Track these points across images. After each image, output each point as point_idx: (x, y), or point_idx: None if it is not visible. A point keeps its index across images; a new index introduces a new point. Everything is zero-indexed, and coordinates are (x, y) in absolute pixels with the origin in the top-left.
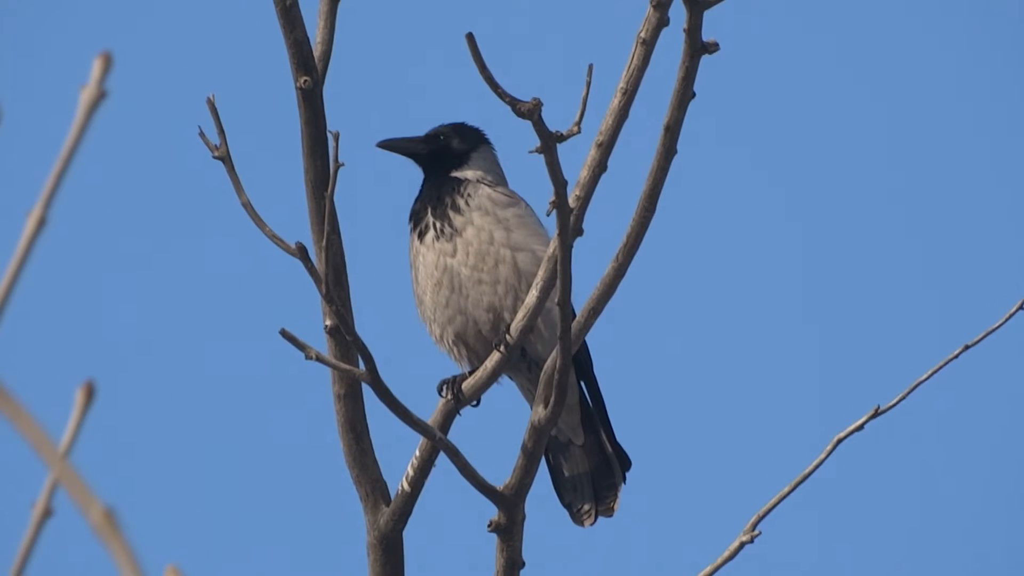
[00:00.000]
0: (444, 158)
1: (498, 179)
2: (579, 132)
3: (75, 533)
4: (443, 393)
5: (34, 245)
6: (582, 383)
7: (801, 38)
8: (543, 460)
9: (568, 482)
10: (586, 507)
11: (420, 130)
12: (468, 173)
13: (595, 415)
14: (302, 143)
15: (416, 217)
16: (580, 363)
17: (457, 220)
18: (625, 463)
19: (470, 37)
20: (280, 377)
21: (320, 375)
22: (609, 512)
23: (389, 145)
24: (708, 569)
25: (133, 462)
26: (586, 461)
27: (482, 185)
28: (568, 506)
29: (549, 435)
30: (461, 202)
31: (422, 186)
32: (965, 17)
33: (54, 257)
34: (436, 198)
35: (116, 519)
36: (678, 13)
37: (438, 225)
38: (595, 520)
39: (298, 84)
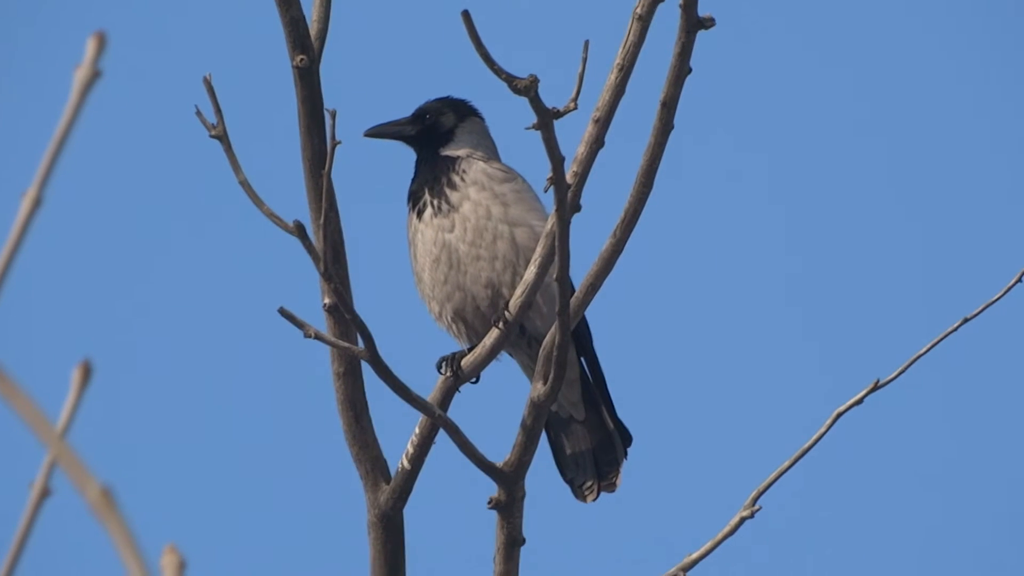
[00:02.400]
0: (432, 137)
1: (489, 152)
2: (576, 108)
3: (73, 512)
4: (442, 370)
5: (30, 225)
6: (582, 359)
7: (798, 14)
8: (544, 436)
9: (570, 458)
10: (588, 483)
11: (412, 109)
12: (459, 150)
13: (595, 391)
14: (299, 122)
15: (414, 198)
16: (580, 339)
17: (453, 196)
18: (626, 438)
19: (466, 14)
20: (279, 355)
21: (319, 353)
22: (611, 488)
23: (376, 132)
24: (709, 544)
25: (131, 441)
26: (587, 437)
27: (475, 160)
28: (570, 482)
29: (549, 411)
30: (456, 178)
31: (416, 167)
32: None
33: (50, 237)
34: (431, 178)
35: (113, 498)
36: None
37: (435, 202)
38: (597, 496)
39: (294, 63)
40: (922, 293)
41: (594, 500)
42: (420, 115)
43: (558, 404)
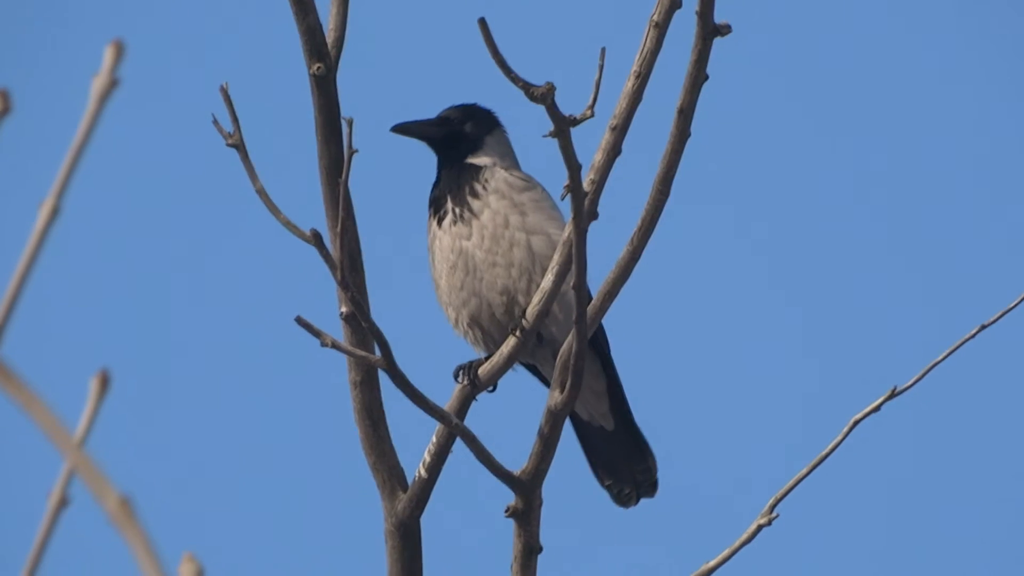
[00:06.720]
0: (459, 143)
1: (513, 163)
2: (593, 116)
3: (91, 522)
4: (459, 379)
5: (47, 234)
6: (608, 370)
7: (815, 21)
8: (575, 445)
9: (606, 466)
10: (627, 490)
11: (434, 114)
12: (485, 159)
13: (624, 401)
14: (316, 130)
15: (436, 204)
16: (597, 346)
17: (475, 204)
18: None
19: (482, 22)
20: (296, 365)
21: (336, 362)
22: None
23: (403, 129)
24: (726, 552)
25: (149, 451)
26: (619, 446)
27: (499, 169)
28: (608, 488)
29: (565, 419)
30: (479, 187)
31: (439, 172)
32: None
33: (67, 246)
34: (455, 186)
35: (132, 507)
36: None
37: (457, 210)
38: (637, 502)
39: (311, 71)
40: (939, 300)
41: (634, 506)
42: (446, 119)
43: (589, 415)
